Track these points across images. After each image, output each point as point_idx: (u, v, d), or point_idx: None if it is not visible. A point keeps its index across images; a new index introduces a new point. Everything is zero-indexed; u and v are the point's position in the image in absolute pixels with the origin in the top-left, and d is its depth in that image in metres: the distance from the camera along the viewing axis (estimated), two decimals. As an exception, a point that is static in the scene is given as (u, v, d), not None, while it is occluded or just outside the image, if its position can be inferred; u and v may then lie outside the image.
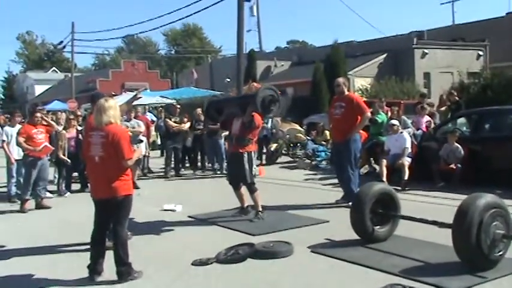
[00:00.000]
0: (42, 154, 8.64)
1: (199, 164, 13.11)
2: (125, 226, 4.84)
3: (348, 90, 8.20)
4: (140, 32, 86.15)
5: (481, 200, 4.70)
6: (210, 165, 12.86)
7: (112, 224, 4.86)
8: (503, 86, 17.78)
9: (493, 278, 4.50)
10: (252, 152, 7.24)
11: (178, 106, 13.96)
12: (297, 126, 15.87)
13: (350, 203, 7.54)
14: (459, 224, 4.65)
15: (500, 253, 4.73)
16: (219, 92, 27.10)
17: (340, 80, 8.25)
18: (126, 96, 19.99)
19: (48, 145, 8.85)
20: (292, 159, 14.32)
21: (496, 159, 9.17)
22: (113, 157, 4.70)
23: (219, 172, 12.19)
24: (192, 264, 5.22)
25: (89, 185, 6.54)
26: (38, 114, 8.84)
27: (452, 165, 9.34)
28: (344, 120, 7.91)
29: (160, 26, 42.56)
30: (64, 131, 10.42)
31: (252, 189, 7.19)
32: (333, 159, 8.90)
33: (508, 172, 8.75)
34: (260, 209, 7.21)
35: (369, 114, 7.97)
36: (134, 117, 11.17)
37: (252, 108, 6.98)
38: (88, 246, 4.95)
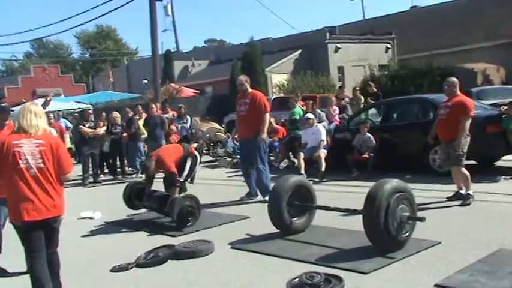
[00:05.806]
0: None
1: (118, 169, 12.79)
2: None
3: (251, 87, 8.32)
4: (50, 35, 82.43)
5: (387, 185, 4.97)
6: (131, 168, 12.61)
7: (49, 247, 4.17)
8: (410, 76, 18.84)
9: (401, 257, 4.78)
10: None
11: (90, 111, 13.67)
12: (217, 125, 15.93)
13: (264, 198, 7.70)
14: (368, 209, 4.90)
15: (407, 234, 5.03)
16: (137, 95, 26.64)
17: (242, 78, 8.41)
18: (39, 102, 19.15)
19: None
20: (213, 158, 14.35)
21: (405, 146, 9.71)
22: (53, 168, 4.08)
23: (141, 174, 11.90)
24: (111, 270, 5.12)
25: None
26: None
27: (365, 155, 9.76)
28: (249, 117, 8.05)
29: (71, 28, 40.63)
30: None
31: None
32: (240, 155, 9.02)
33: (415, 157, 9.29)
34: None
35: (268, 115, 8.04)
36: (46, 124, 10.69)
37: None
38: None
